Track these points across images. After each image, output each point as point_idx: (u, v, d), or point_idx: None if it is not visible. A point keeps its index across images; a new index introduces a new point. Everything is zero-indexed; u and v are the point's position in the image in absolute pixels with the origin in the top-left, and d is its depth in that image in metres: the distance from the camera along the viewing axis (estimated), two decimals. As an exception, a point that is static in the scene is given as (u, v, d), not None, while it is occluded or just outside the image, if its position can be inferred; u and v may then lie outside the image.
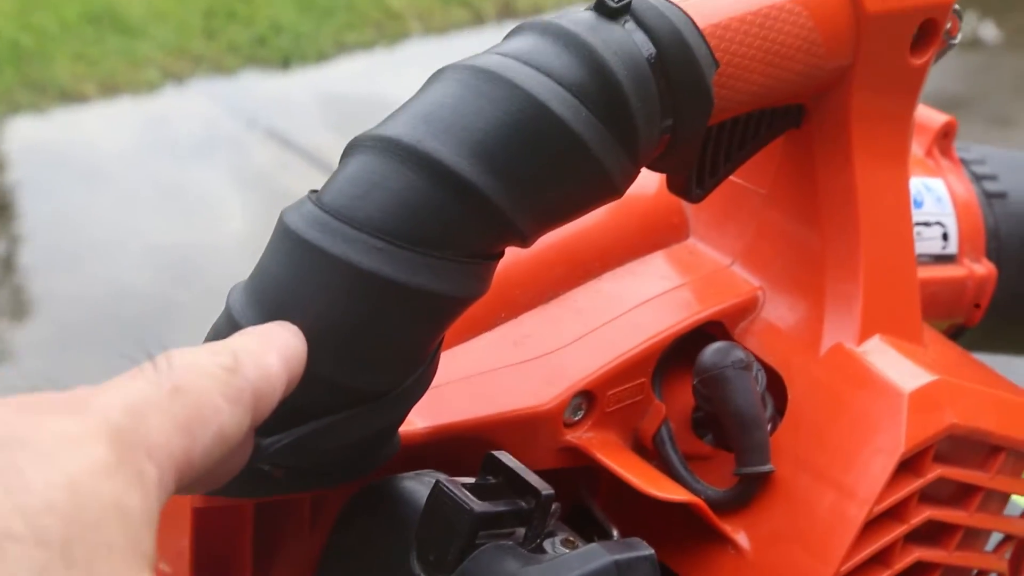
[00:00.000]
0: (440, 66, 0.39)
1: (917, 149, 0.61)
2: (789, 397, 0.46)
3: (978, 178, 0.62)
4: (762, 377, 0.46)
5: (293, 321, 0.35)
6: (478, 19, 3.75)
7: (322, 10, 3.63)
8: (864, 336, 0.46)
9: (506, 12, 3.80)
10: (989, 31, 4.10)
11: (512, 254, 0.45)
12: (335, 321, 0.35)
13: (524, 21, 0.40)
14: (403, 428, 0.43)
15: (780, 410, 0.47)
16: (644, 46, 0.39)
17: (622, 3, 0.40)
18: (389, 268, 0.35)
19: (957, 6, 0.49)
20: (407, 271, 0.35)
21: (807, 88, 0.45)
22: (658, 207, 0.50)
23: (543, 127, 0.37)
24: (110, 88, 3.14)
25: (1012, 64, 3.74)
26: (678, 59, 0.40)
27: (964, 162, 0.63)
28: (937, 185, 0.59)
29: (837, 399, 0.45)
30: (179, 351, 0.31)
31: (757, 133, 0.46)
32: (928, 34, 0.47)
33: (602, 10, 0.40)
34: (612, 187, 0.39)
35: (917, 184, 0.59)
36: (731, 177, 0.49)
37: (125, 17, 3.42)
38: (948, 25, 0.49)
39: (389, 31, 3.64)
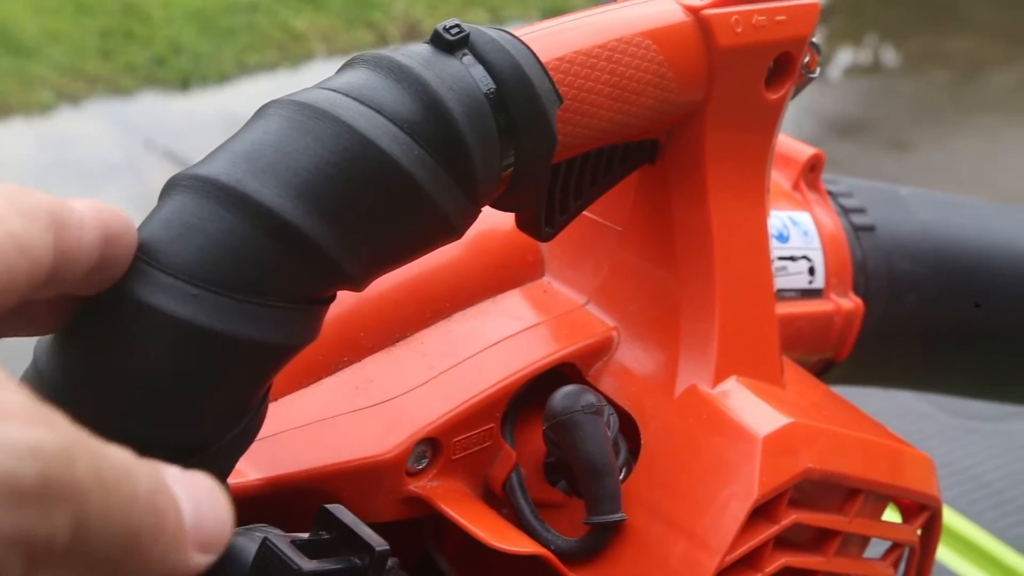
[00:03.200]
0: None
1: (784, 182, 0.60)
2: (642, 442, 0.45)
3: (846, 211, 0.61)
4: (614, 421, 0.44)
5: (100, 375, 0.33)
6: (382, 40, 3.73)
7: (223, 31, 3.59)
8: (719, 378, 0.45)
9: (411, 34, 3.79)
10: (888, 56, 4.17)
11: (357, 294, 0.43)
12: (147, 373, 0.33)
13: (357, 54, 0.38)
14: (235, 480, 0.41)
15: (635, 454, 0.45)
16: (483, 81, 0.38)
17: (459, 36, 0.38)
18: (205, 316, 0.33)
19: (815, 39, 0.48)
20: (225, 319, 0.33)
21: (659, 123, 0.44)
22: (512, 244, 0.48)
23: (372, 166, 0.35)
24: (2, 109, 3.07)
25: (909, 89, 3.81)
26: (519, 94, 0.38)
27: (832, 195, 0.62)
28: (804, 219, 0.59)
29: (690, 443, 0.44)
30: None
31: (609, 169, 0.45)
32: (784, 68, 0.46)
33: (439, 43, 0.38)
34: (449, 227, 0.37)
35: (783, 218, 0.58)
36: (586, 213, 0.48)
37: (17, 37, 3.35)
38: (806, 58, 0.48)
39: (292, 52, 3.61)
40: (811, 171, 0.61)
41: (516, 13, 4.01)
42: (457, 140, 0.36)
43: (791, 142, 0.61)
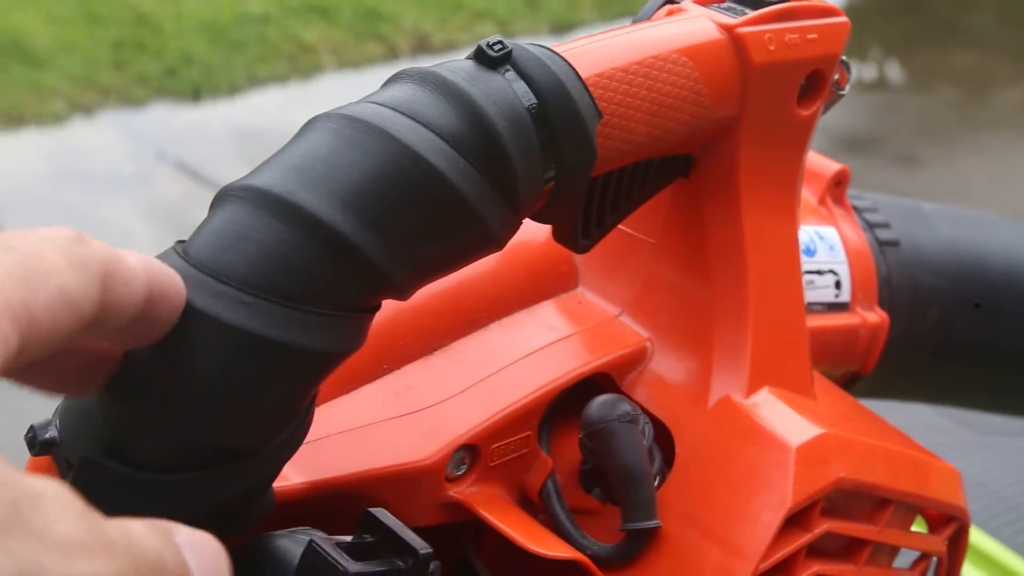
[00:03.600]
0: (353, 99, 0.38)
1: (810, 197, 0.61)
2: (676, 451, 0.45)
3: (871, 226, 0.62)
4: (649, 430, 0.45)
5: (155, 381, 0.34)
6: (392, 54, 3.75)
7: (234, 43, 3.61)
8: (752, 388, 0.46)
9: (420, 47, 3.81)
10: (894, 71, 4.18)
11: (396, 303, 0.44)
12: (201, 378, 0.34)
13: (403, 69, 0.39)
14: (278, 484, 0.42)
15: (669, 462, 0.46)
16: (525, 96, 0.39)
17: (502, 52, 0.39)
18: (257, 323, 0.34)
19: (844, 57, 0.49)
20: (276, 326, 0.34)
21: (694, 138, 0.44)
22: (547, 255, 0.49)
23: (419, 179, 0.36)
24: (15, 119, 3.09)
25: (916, 104, 3.83)
26: (560, 110, 0.39)
27: (857, 210, 0.63)
28: (830, 233, 0.60)
29: (724, 453, 0.45)
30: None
31: (644, 183, 0.45)
32: (815, 85, 0.47)
33: (482, 59, 0.39)
34: (492, 240, 0.38)
35: (810, 232, 0.59)
36: (620, 226, 0.49)
37: (30, 48, 3.36)
38: (836, 76, 0.49)
39: (302, 64, 3.63)
40: (837, 186, 0.61)
41: (525, 27, 4.03)
42: (501, 154, 0.37)
43: (817, 157, 0.62)
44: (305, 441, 0.42)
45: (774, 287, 0.47)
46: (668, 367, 0.47)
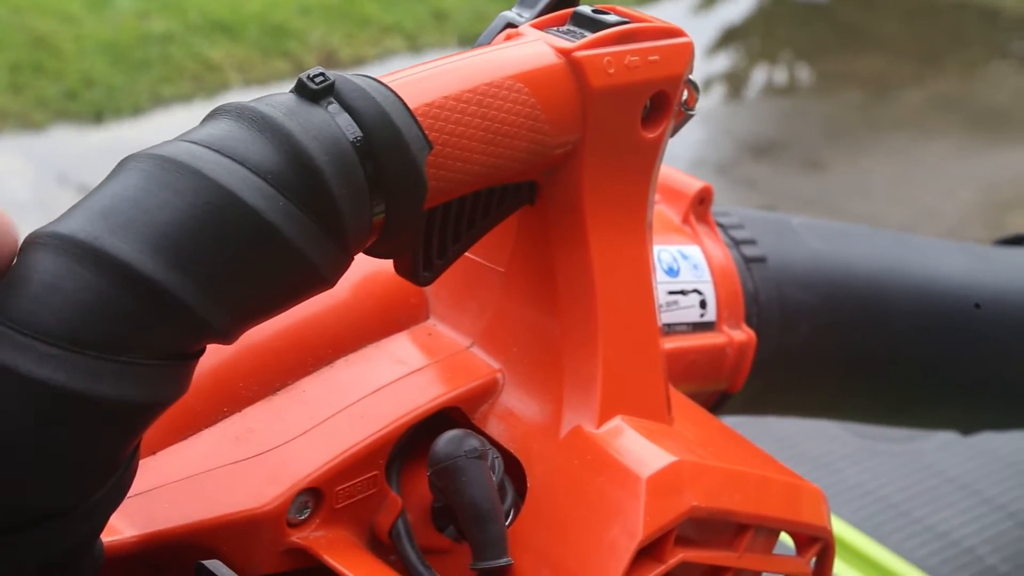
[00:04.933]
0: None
1: (673, 216, 0.60)
2: (528, 484, 0.45)
3: (737, 243, 0.62)
4: (499, 465, 0.44)
5: None
6: (299, 69, 3.71)
7: (136, 63, 3.55)
8: (604, 418, 0.45)
9: (328, 63, 3.77)
10: (800, 76, 4.23)
11: (238, 343, 0.42)
12: (5, 436, 0.32)
13: (220, 105, 0.38)
14: (109, 538, 0.40)
15: (524, 495, 0.45)
16: (349, 129, 0.37)
17: (324, 84, 0.38)
18: (63, 376, 0.32)
19: (691, 77, 0.49)
20: (85, 379, 0.33)
21: (535, 165, 0.44)
22: (396, 287, 0.48)
23: (234, 219, 0.35)
24: (-92, 145, 3.01)
25: (821, 108, 3.87)
26: (386, 142, 0.38)
27: (723, 227, 0.62)
28: (694, 252, 0.59)
29: (575, 485, 0.44)
30: None
31: (487, 212, 0.44)
32: (660, 107, 0.47)
33: (303, 92, 0.38)
34: (319, 278, 0.37)
35: (673, 252, 0.58)
36: (469, 254, 0.48)
37: (-78, 72, 3.29)
38: (684, 96, 0.49)
39: (208, 83, 3.58)
40: (700, 204, 0.61)
41: (434, 40, 4.02)
42: (323, 190, 0.36)
43: (680, 175, 0.61)
44: (139, 491, 0.41)
45: (625, 313, 0.46)
46: (519, 399, 0.46)
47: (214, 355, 0.44)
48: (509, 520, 0.44)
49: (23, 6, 3.71)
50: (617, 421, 0.45)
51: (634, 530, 0.42)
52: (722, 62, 4.16)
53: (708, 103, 3.77)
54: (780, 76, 4.25)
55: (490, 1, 4.25)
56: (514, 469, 0.45)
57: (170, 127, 3.33)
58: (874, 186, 3.30)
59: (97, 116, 3.31)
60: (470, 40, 4.05)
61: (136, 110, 3.39)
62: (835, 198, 3.19)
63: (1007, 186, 3.33)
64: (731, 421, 0.73)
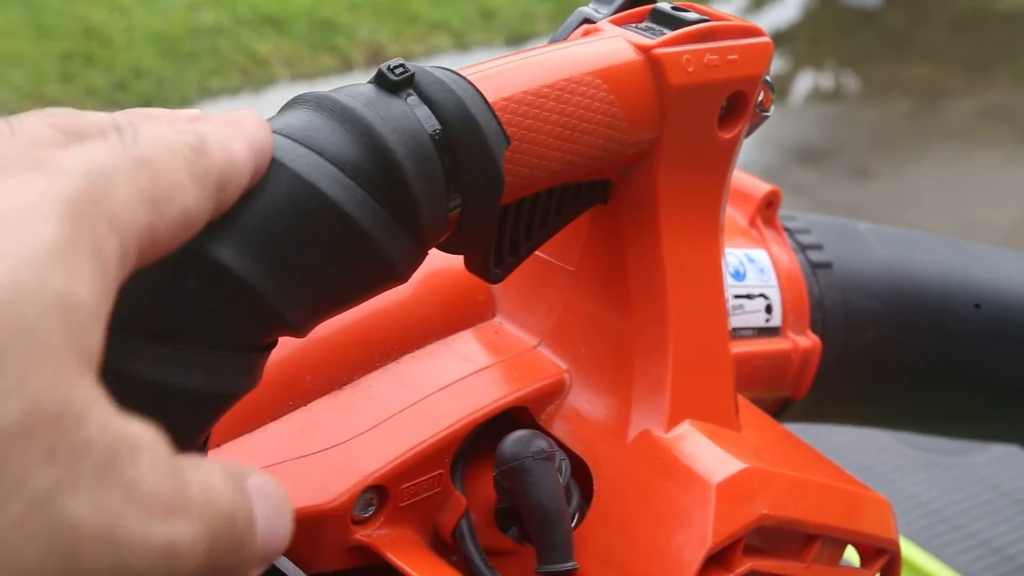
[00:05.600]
0: None
1: (740, 219, 0.60)
2: (595, 488, 0.44)
3: (803, 248, 0.61)
4: (566, 467, 0.43)
5: None
6: (346, 65, 3.73)
7: (185, 55, 3.57)
8: (673, 422, 0.44)
9: (375, 58, 3.78)
10: (848, 83, 4.20)
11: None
12: None
13: (299, 94, 0.37)
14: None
15: (589, 499, 0.44)
16: (428, 122, 0.37)
17: (404, 76, 0.37)
18: (138, 365, 0.32)
19: (768, 78, 0.48)
20: (158, 368, 0.32)
21: (611, 163, 0.43)
22: (462, 284, 0.48)
23: (313, 210, 0.34)
24: (-40, 133, 3.04)
25: (869, 116, 3.84)
26: (465, 136, 0.37)
27: (789, 231, 0.61)
28: (760, 256, 0.58)
29: (643, 490, 0.43)
30: (144, 122, 0.29)
31: (560, 209, 0.44)
32: (737, 107, 0.46)
33: (383, 83, 0.37)
34: (394, 272, 0.37)
35: (739, 255, 0.57)
36: (538, 253, 0.47)
37: (-25, 60, 3.32)
38: (760, 97, 0.48)
39: (255, 77, 3.60)
40: (767, 208, 0.60)
41: (481, 38, 4.02)
42: (401, 183, 0.36)
43: (747, 178, 0.61)
44: (203, 483, 0.40)
45: (696, 317, 0.46)
46: (587, 400, 0.46)
47: (281, 347, 0.43)
48: (575, 523, 0.44)
49: (64, 5, 3.74)
50: (686, 426, 0.45)
51: (703, 537, 0.41)
52: (777, 70, 4.14)
53: (754, 108, 3.75)
54: (827, 82, 4.22)
55: (537, 0, 4.25)
56: (580, 471, 0.45)
57: (217, 119, 3.35)
58: (921, 196, 3.27)
59: (146, 107, 3.33)
60: (517, 39, 4.04)
61: (184, 101, 3.40)
62: (881, 207, 3.16)
63: (1057, 199, 3.29)
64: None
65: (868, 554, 0.51)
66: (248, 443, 0.42)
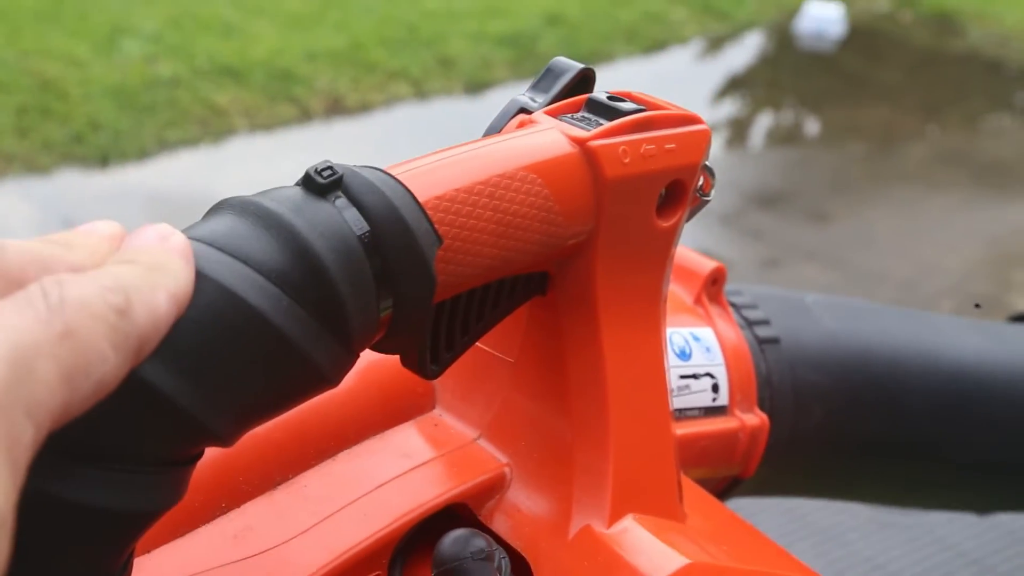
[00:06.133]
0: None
1: (686, 297, 0.59)
2: (536, 586, 0.43)
3: (750, 324, 0.61)
4: (506, 565, 0.42)
5: None
6: (305, 115, 3.73)
7: (142, 107, 3.56)
8: (615, 517, 0.44)
9: (334, 108, 3.78)
10: (806, 127, 4.24)
11: (236, 437, 0.41)
12: None
13: (224, 199, 0.37)
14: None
15: (532, 595, 0.44)
16: (356, 224, 0.36)
17: (332, 178, 0.37)
18: (55, 485, 0.31)
19: (707, 163, 0.48)
20: (77, 488, 0.31)
21: (547, 256, 0.42)
22: (400, 375, 0.47)
23: (237, 320, 0.33)
24: (-87, 188, 3.01)
25: (827, 160, 3.87)
26: (395, 238, 0.37)
27: (736, 307, 0.61)
28: (706, 334, 0.58)
29: (585, 588, 0.42)
30: (69, 277, 0.28)
31: (497, 303, 0.43)
32: (676, 195, 0.45)
33: (310, 186, 0.37)
34: (323, 378, 0.36)
35: (685, 335, 0.57)
36: (478, 344, 0.47)
37: (-71, 114, 3.30)
38: (700, 182, 0.47)
39: (214, 128, 3.59)
40: (713, 284, 0.60)
41: (440, 86, 4.03)
42: (329, 288, 0.35)
43: (693, 255, 0.60)
44: (132, 594, 0.39)
45: (637, 408, 0.45)
46: (527, 495, 0.45)
47: (213, 449, 0.42)
48: (516, 623, 0.43)
49: (30, 49, 3.73)
50: (628, 521, 0.44)
51: (646, 638, 0.41)
52: (727, 110, 4.17)
53: (715, 153, 3.78)
54: (785, 126, 4.26)
55: (496, 48, 4.27)
56: (522, 568, 0.44)
57: (176, 171, 3.34)
58: (878, 239, 3.29)
59: (103, 160, 3.32)
60: (476, 86, 4.06)
61: (142, 154, 3.39)
62: (839, 250, 3.18)
63: (1012, 240, 3.32)
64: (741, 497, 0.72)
65: (817, 640, 0.50)
66: (180, 548, 0.41)
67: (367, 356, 0.46)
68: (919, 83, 4.58)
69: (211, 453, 0.42)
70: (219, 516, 0.42)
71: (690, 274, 0.59)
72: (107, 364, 0.28)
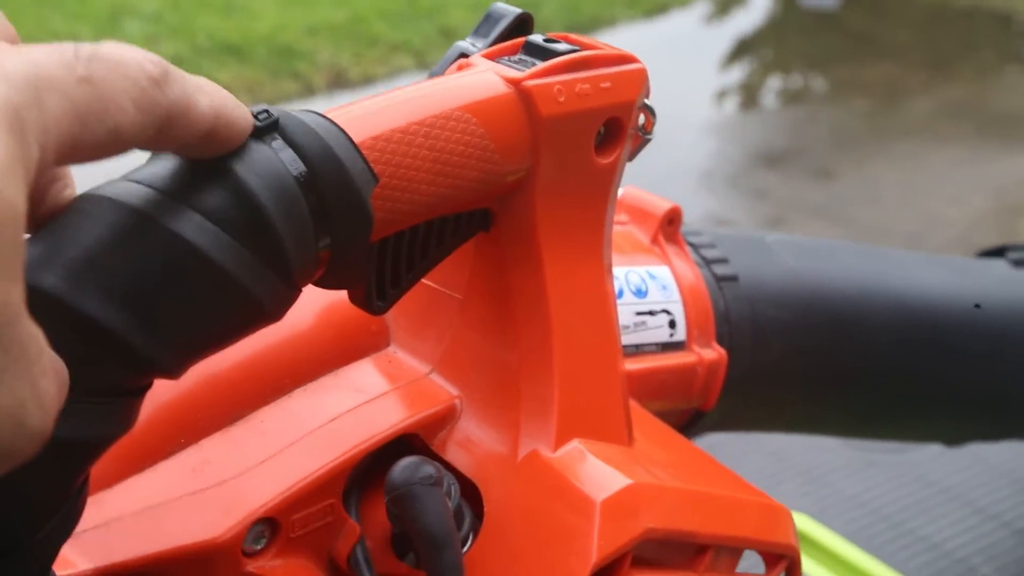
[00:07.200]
0: None
1: (643, 237, 0.61)
2: (485, 510, 0.45)
3: (708, 262, 0.62)
4: (455, 491, 0.44)
5: None
6: (308, 91, 3.73)
7: (146, 86, 3.57)
8: (561, 442, 0.45)
9: (337, 83, 3.79)
10: (810, 85, 4.23)
11: (193, 375, 0.43)
12: None
13: None
14: (65, 572, 0.41)
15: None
16: (293, 164, 0.38)
17: (268, 121, 0.38)
18: None
19: (647, 101, 0.49)
20: None
21: (487, 194, 0.44)
22: (356, 315, 0.48)
23: (177, 256, 0.35)
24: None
25: (831, 117, 3.87)
26: (330, 176, 0.38)
27: (694, 246, 0.63)
28: (662, 272, 0.59)
29: (531, 510, 0.44)
30: (114, 44, 0.31)
31: (441, 240, 0.45)
32: (614, 133, 0.47)
33: (247, 129, 0.38)
34: (264, 313, 0.37)
35: (641, 273, 0.59)
36: (428, 282, 0.48)
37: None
38: (641, 121, 0.49)
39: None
40: (669, 224, 0.61)
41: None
42: (267, 226, 0.37)
43: (649, 196, 0.62)
44: (94, 525, 0.41)
45: (582, 338, 0.47)
46: (477, 425, 0.47)
47: (171, 387, 0.44)
48: (468, 546, 0.45)
49: (32, 33, 3.74)
50: (574, 445, 0.46)
51: (588, 554, 0.42)
52: (732, 72, 4.16)
53: (720, 114, 3.78)
54: (790, 85, 4.25)
55: (498, 17, 4.25)
56: (474, 494, 0.46)
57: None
58: (884, 194, 3.29)
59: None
60: (479, 56, 4.06)
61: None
62: (844, 207, 3.18)
63: (1019, 191, 3.32)
64: (722, 436, 0.74)
65: (769, 560, 0.52)
66: (139, 482, 0.43)
67: (323, 298, 0.48)
68: (925, 38, 4.56)
69: (170, 391, 0.44)
70: (179, 451, 0.44)
71: (646, 215, 0.61)
72: (125, 116, 0.31)
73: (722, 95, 3.84)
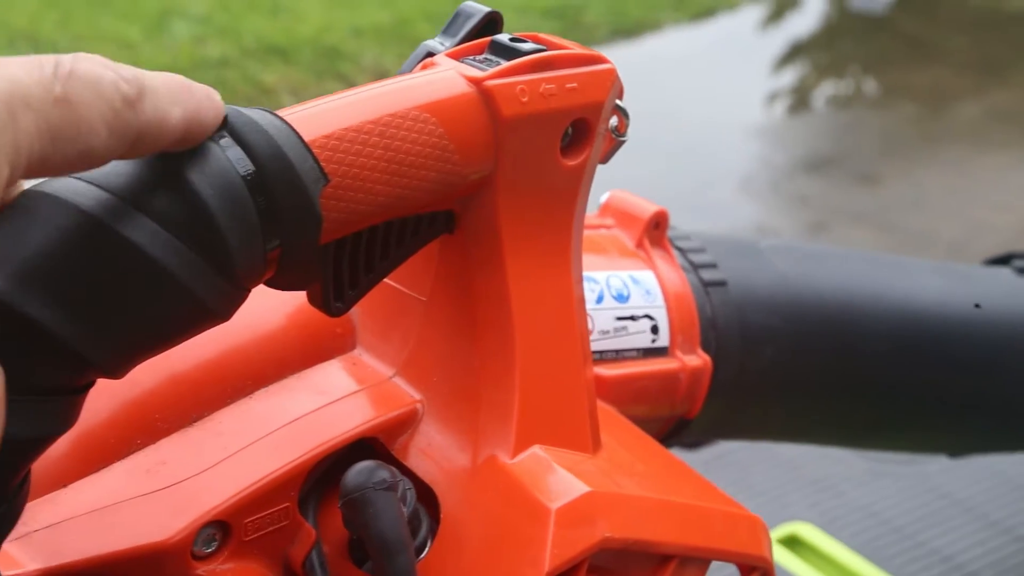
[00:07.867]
0: None
1: (627, 241, 0.60)
2: (441, 516, 0.44)
3: (696, 267, 0.61)
4: (411, 496, 0.44)
5: None
6: (352, 91, 3.75)
7: (191, 87, 3.60)
8: (520, 448, 0.45)
9: (381, 84, 3.80)
10: (857, 90, 4.19)
11: (152, 375, 0.43)
12: None
13: None
14: (12, 572, 0.40)
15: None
16: (240, 163, 0.37)
17: None
18: None
19: (620, 102, 0.48)
20: None
21: (447, 195, 0.43)
22: (322, 316, 0.48)
23: (115, 254, 0.35)
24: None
25: (879, 122, 3.82)
26: (278, 175, 0.38)
27: (682, 251, 0.62)
28: (646, 277, 0.59)
29: (486, 516, 0.43)
30: (90, 59, 0.32)
31: (401, 241, 0.44)
32: (582, 135, 0.46)
33: (194, 128, 0.38)
34: (209, 313, 0.37)
35: (623, 277, 0.58)
36: (394, 283, 0.48)
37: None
38: (614, 122, 0.48)
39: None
40: (655, 228, 0.61)
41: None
42: (209, 225, 0.36)
43: (636, 200, 0.61)
44: (45, 524, 0.41)
45: (545, 342, 0.46)
46: (438, 429, 0.46)
47: (130, 386, 0.44)
48: (424, 553, 0.44)
49: (84, 34, 3.78)
50: (534, 451, 0.45)
51: (540, 562, 0.42)
52: (780, 78, 4.13)
53: (765, 118, 3.75)
54: (837, 89, 4.21)
55: (542, 19, 4.26)
56: (432, 499, 0.45)
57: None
58: (928, 200, 3.25)
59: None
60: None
61: (191, 133, 3.42)
62: (888, 212, 3.14)
63: (1067, 198, 3.26)
64: (732, 444, 0.72)
65: (743, 571, 0.51)
66: (93, 482, 0.43)
67: (291, 297, 0.48)
68: (976, 42, 4.50)
69: (128, 390, 0.44)
70: (134, 452, 0.44)
71: (632, 219, 0.60)
72: (96, 139, 0.31)
73: (768, 99, 3.81)
